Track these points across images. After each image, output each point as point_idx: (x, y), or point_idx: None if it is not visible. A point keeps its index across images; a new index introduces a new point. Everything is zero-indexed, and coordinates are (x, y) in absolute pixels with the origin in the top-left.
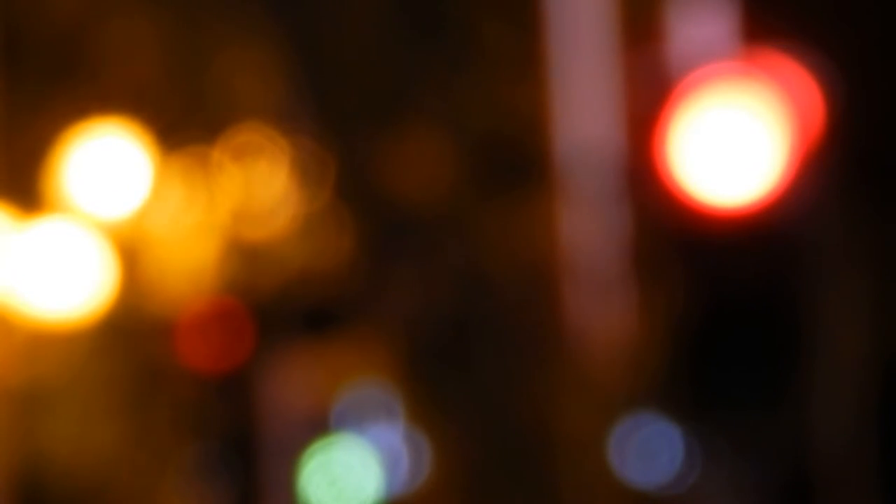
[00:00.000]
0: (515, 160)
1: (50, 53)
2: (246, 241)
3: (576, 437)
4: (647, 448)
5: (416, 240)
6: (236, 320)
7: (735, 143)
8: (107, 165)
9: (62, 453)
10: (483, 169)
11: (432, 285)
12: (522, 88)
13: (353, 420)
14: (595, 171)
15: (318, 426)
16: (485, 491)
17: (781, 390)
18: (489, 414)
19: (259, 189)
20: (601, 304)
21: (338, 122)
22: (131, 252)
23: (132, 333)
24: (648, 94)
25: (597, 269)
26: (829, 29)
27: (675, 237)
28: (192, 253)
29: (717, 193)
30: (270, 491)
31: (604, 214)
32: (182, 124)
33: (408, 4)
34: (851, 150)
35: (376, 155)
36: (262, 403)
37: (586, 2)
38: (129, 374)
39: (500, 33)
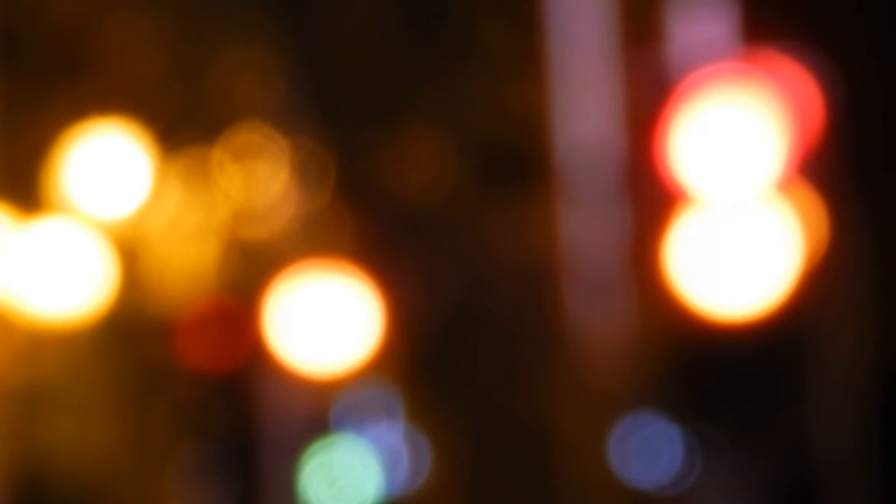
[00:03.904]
0: (515, 160)
1: (50, 53)
2: (246, 241)
3: (576, 437)
4: (647, 448)
5: (415, 240)
6: (236, 320)
7: (735, 142)
8: (107, 165)
9: (62, 453)
10: (483, 169)
11: (432, 285)
12: (522, 88)
13: (353, 420)
14: (595, 171)
15: (318, 426)
16: (484, 491)
17: (782, 390)
18: (489, 414)
19: (259, 189)
20: (601, 304)
21: (338, 122)
22: (131, 252)
23: (132, 333)
24: (648, 94)
25: (597, 269)
26: (829, 29)
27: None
28: (191, 253)
29: (716, 193)
30: (270, 491)
31: (604, 214)
32: (182, 124)
33: (408, 5)
34: (850, 149)
35: (376, 155)
36: (262, 403)
37: (586, 2)
38: (129, 374)
39: (500, 33)
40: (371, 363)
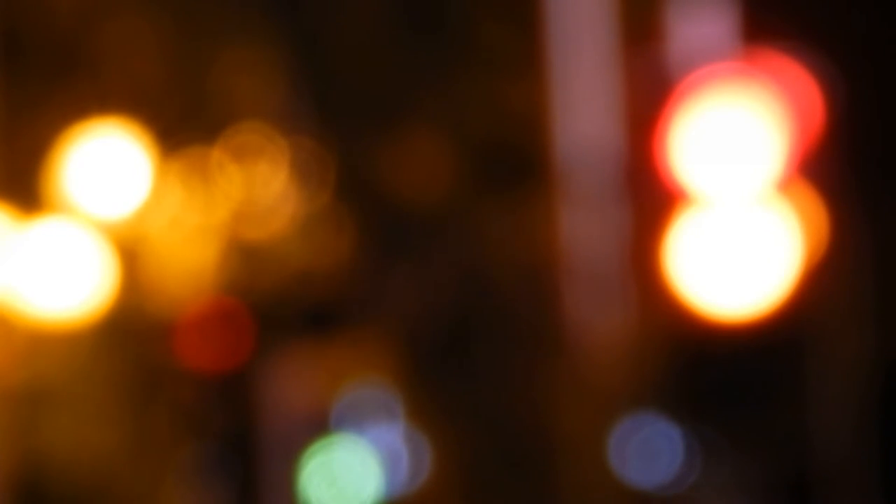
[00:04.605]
0: (515, 160)
1: (50, 53)
2: (246, 241)
3: (576, 437)
4: (647, 448)
5: (415, 240)
6: (236, 320)
7: (735, 142)
8: (107, 165)
9: (62, 453)
10: (483, 169)
11: (432, 285)
12: (522, 88)
13: (353, 420)
14: (595, 171)
15: (318, 426)
16: (485, 491)
17: (782, 390)
18: (489, 414)
19: (259, 189)
20: (601, 304)
21: (338, 123)
22: (131, 252)
23: (132, 333)
24: (648, 93)
25: (596, 268)
26: (829, 29)
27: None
28: (191, 253)
29: (716, 193)
30: (270, 491)
31: (604, 214)
32: (182, 124)
33: (408, 4)
34: (851, 149)
35: (376, 155)
36: (262, 403)
37: (586, 2)
38: (129, 374)
39: (500, 33)
40: (371, 363)
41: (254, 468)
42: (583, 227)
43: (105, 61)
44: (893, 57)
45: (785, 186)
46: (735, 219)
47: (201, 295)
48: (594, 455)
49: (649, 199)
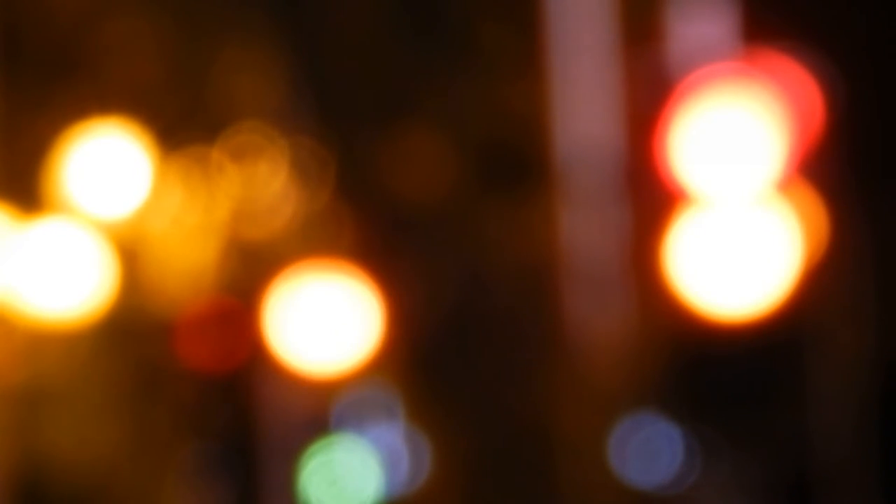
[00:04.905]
0: (515, 160)
1: (50, 53)
2: (246, 241)
3: (576, 437)
4: (647, 448)
5: (415, 240)
6: (236, 320)
7: (735, 142)
8: (107, 165)
9: (62, 453)
10: (483, 169)
11: (432, 285)
12: (522, 88)
13: (353, 420)
14: (595, 171)
15: (318, 426)
16: (485, 491)
17: (782, 390)
18: (489, 414)
19: (259, 189)
20: (601, 304)
21: (338, 122)
22: (131, 252)
23: (132, 333)
24: (648, 93)
25: (596, 269)
26: (829, 29)
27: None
28: (192, 253)
29: (716, 193)
30: (270, 491)
31: (604, 214)
32: (182, 124)
33: (408, 4)
34: (851, 149)
35: (376, 155)
36: (262, 403)
37: (586, 2)
38: (129, 374)
39: (500, 33)
40: (371, 363)
41: (254, 468)
42: (583, 227)
43: (105, 61)
44: (893, 57)
45: (785, 186)
46: (735, 219)
47: (201, 295)
48: (594, 455)
49: (649, 199)
